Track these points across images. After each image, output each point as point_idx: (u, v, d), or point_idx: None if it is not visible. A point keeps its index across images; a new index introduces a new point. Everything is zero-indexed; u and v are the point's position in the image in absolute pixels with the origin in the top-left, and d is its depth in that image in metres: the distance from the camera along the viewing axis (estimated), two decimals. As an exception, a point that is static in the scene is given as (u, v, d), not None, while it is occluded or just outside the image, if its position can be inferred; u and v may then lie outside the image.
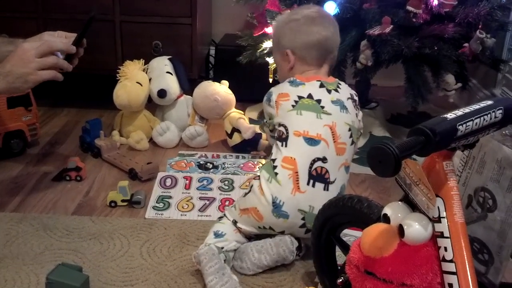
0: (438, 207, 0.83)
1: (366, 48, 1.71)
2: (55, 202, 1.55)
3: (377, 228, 0.86)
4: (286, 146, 1.28)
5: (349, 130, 1.33)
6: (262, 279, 1.24)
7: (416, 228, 0.82)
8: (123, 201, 1.52)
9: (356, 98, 1.41)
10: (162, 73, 1.94)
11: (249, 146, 1.90)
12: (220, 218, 1.35)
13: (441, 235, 0.82)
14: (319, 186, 1.25)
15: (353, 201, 1.02)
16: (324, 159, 1.27)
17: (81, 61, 2.08)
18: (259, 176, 1.30)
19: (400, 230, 0.84)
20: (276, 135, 1.35)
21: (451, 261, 0.81)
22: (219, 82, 1.99)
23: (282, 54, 1.41)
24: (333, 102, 1.33)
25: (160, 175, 1.70)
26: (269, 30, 1.97)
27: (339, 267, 1.10)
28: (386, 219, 0.88)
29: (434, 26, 1.76)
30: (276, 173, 1.25)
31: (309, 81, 1.36)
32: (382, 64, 1.80)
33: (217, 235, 1.28)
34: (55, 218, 1.45)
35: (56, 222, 1.43)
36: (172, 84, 1.94)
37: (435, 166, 0.86)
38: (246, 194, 1.33)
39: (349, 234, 1.30)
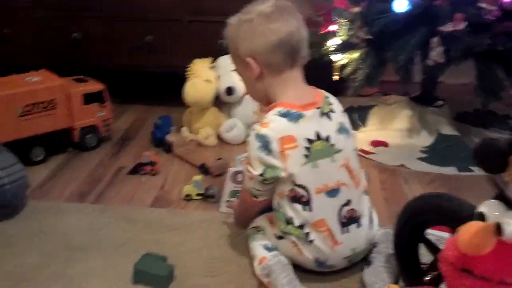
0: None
1: (438, 45, 1.69)
2: (132, 195, 1.61)
3: (474, 226, 0.85)
4: (311, 210, 1.16)
5: (354, 150, 1.26)
6: (327, 284, 1.23)
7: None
8: (198, 195, 1.56)
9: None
10: (229, 71, 1.97)
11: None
12: (258, 229, 1.29)
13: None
14: (353, 227, 1.20)
15: (442, 199, 1.02)
16: (348, 202, 1.19)
17: (148, 60, 2.17)
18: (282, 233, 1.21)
19: (498, 228, 0.84)
20: (289, 193, 1.17)
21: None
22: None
23: (243, 63, 1.20)
24: (338, 131, 1.21)
25: (231, 170, 1.73)
26: (334, 27, 1.98)
27: (423, 265, 1.11)
28: (481, 217, 0.88)
29: (506, 22, 1.73)
30: (311, 240, 1.17)
31: (307, 109, 1.18)
32: (453, 61, 1.77)
33: (269, 249, 1.23)
34: (135, 210, 1.51)
35: (136, 214, 1.49)
36: (239, 81, 1.97)
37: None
38: (277, 237, 1.23)
39: (432, 234, 1.29)
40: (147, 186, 1.67)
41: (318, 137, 1.17)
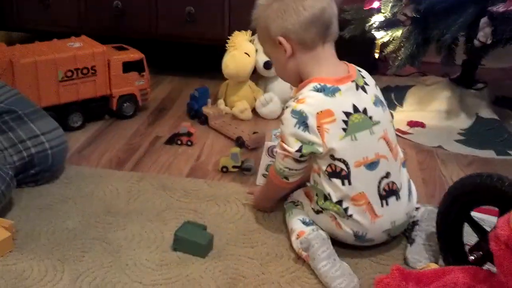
0: None
1: (486, 26, 1.64)
2: (169, 164, 1.62)
3: (529, 206, 0.84)
4: (350, 184, 1.14)
5: (391, 121, 1.25)
6: (366, 259, 1.22)
7: None
8: (234, 167, 1.56)
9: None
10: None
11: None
12: (295, 204, 1.29)
13: None
14: (392, 200, 1.18)
15: (493, 180, 1.00)
16: (387, 175, 1.17)
17: (188, 32, 2.16)
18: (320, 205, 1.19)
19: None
20: (327, 169, 1.15)
21: None
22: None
23: (274, 43, 1.19)
24: (374, 103, 1.19)
25: (267, 144, 1.72)
26: (377, 4, 1.95)
27: (467, 245, 1.09)
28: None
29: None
30: (351, 215, 1.15)
31: (343, 82, 1.16)
32: (499, 43, 1.73)
33: (307, 223, 1.23)
34: (172, 179, 1.52)
35: (174, 183, 1.49)
36: (278, 55, 1.95)
37: None
38: (316, 211, 1.22)
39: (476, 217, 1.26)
40: (184, 156, 1.67)
41: (356, 110, 1.16)
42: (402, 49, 1.85)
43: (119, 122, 1.89)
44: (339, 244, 1.21)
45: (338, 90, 1.15)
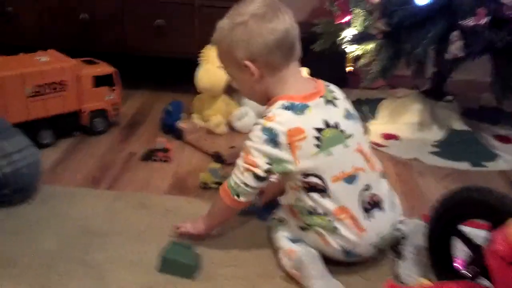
0: None
1: (458, 39, 1.68)
2: (147, 182, 1.57)
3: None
4: (329, 197, 1.13)
5: (364, 134, 1.26)
6: (356, 276, 1.21)
7: None
8: (216, 183, 1.53)
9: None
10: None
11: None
12: (280, 220, 1.26)
13: None
14: (376, 212, 1.18)
15: (481, 193, 1.01)
16: (367, 187, 1.17)
17: (158, 45, 2.12)
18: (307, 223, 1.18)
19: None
20: (302, 184, 1.14)
21: None
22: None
23: (239, 67, 1.17)
24: (345, 117, 1.19)
25: (245, 159, 1.70)
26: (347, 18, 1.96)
27: (455, 258, 1.10)
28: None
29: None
30: (336, 227, 1.14)
31: (311, 99, 1.16)
32: (470, 56, 1.77)
33: (293, 240, 1.20)
34: (151, 197, 1.47)
35: (153, 201, 1.45)
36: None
37: None
38: (301, 228, 1.19)
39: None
40: (161, 173, 1.63)
41: (327, 125, 1.15)
42: (374, 62, 1.88)
43: (90, 138, 1.83)
44: (327, 261, 1.20)
45: (306, 107, 1.15)
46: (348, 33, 1.91)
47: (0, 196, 1.34)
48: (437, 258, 1.13)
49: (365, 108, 2.14)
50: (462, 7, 1.67)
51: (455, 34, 1.69)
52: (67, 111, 1.75)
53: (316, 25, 2.10)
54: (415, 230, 1.22)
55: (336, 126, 1.16)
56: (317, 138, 1.13)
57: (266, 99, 1.21)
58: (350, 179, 1.15)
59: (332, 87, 1.24)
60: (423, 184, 1.66)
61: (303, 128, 1.13)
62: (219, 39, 1.20)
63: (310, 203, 1.15)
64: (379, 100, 2.17)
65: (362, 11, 1.83)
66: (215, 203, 1.26)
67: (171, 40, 2.10)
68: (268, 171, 1.14)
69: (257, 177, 1.15)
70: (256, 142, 1.14)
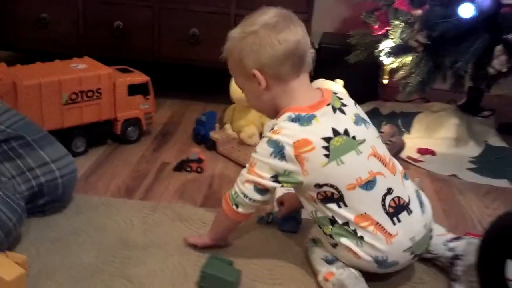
0: None
1: (501, 54, 1.65)
2: (181, 193, 1.55)
3: None
4: (346, 206, 1.10)
5: (378, 137, 1.20)
6: None
7: None
8: (251, 196, 1.50)
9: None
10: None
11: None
12: (315, 241, 1.23)
13: None
14: (403, 215, 1.13)
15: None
16: (389, 191, 1.13)
17: (192, 53, 2.10)
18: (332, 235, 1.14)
19: None
20: (318, 196, 1.12)
21: None
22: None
23: (248, 76, 1.16)
24: (355, 123, 1.16)
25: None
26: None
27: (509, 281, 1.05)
28: None
29: None
30: (361, 237, 1.10)
31: (317, 108, 1.14)
32: (513, 71, 1.73)
33: (330, 261, 1.16)
34: (188, 209, 1.44)
35: (190, 213, 1.42)
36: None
37: None
38: (333, 245, 1.15)
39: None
40: (195, 184, 1.61)
41: (336, 133, 1.12)
42: (413, 75, 1.84)
43: (123, 147, 1.81)
44: (369, 279, 1.16)
45: (314, 117, 1.12)
46: (386, 45, 1.88)
47: (35, 206, 1.32)
48: (490, 280, 1.09)
49: (399, 122, 2.10)
50: (507, 21, 1.63)
51: (498, 48, 1.66)
52: (102, 119, 1.74)
53: (352, 36, 2.07)
54: (470, 248, 1.17)
55: (346, 133, 1.13)
56: (326, 148, 1.10)
57: (274, 112, 1.20)
58: (368, 185, 1.11)
59: (341, 94, 1.22)
60: (464, 202, 1.62)
61: (310, 139, 1.10)
62: (230, 48, 1.19)
63: (329, 213, 1.12)
64: (414, 114, 2.13)
65: (401, 23, 1.79)
66: (218, 213, 1.25)
67: (206, 49, 2.08)
68: (275, 183, 1.13)
69: (258, 189, 1.14)
70: (262, 154, 1.13)
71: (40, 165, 1.31)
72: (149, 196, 1.52)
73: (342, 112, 1.16)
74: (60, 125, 1.64)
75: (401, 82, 1.87)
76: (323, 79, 1.95)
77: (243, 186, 1.15)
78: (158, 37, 2.10)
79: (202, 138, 1.86)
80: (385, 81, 1.97)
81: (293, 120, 1.12)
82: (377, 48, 1.94)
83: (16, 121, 1.34)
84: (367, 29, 2.03)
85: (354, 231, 1.10)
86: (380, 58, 1.93)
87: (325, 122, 1.13)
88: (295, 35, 1.13)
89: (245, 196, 1.15)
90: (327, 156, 1.10)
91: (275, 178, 1.13)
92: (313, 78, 2.14)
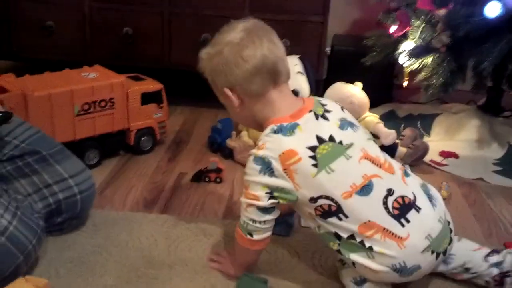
0: None
1: (528, 53, 1.59)
2: (202, 204, 1.48)
3: None
4: (347, 217, 1.03)
5: (370, 139, 1.14)
6: None
7: None
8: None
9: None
10: (293, 73, 1.83)
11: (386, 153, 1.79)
12: (343, 263, 1.15)
13: None
14: (412, 214, 1.05)
15: None
16: (390, 192, 1.05)
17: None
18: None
19: None
20: (316, 212, 1.05)
21: None
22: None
23: (223, 94, 1.13)
24: (340, 127, 1.09)
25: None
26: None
27: None
28: None
29: None
30: (370, 247, 1.02)
31: (299, 116, 1.08)
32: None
33: (358, 283, 1.10)
34: (210, 222, 1.38)
35: (212, 227, 1.36)
36: (303, 84, 1.85)
37: None
38: (354, 264, 1.07)
39: None
40: (215, 195, 1.54)
41: (321, 141, 1.06)
42: (434, 76, 1.78)
43: (137, 157, 1.75)
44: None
45: (296, 125, 1.07)
46: (406, 46, 1.82)
47: (52, 225, 1.25)
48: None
49: (418, 124, 2.04)
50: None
51: (524, 48, 1.60)
52: (116, 129, 1.67)
53: (368, 38, 2.01)
54: None
55: (331, 140, 1.06)
56: (313, 158, 1.04)
57: (259, 125, 1.15)
58: (365, 189, 1.04)
59: (324, 100, 1.15)
60: (494, 207, 1.56)
61: (295, 150, 1.04)
62: (202, 68, 1.16)
63: (331, 229, 1.05)
64: (433, 116, 2.07)
65: (423, 23, 1.73)
66: (235, 245, 1.16)
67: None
68: (272, 200, 1.06)
69: (261, 209, 1.07)
70: (252, 174, 1.07)
71: (58, 181, 1.24)
72: (169, 209, 1.46)
73: (325, 118, 1.10)
74: (72, 137, 1.58)
75: (422, 83, 1.80)
76: (342, 82, 1.89)
77: (247, 212, 1.08)
78: (168, 43, 2.04)
79: (218, 146, 1.80)
80: (405, 83, 1.91)
81: (275, 131, 1.07)
82: (395, 50, 1.88)
83: (30, 135, 1.27)
84: (384, 30, 1.97)
85: (361, 242, 1.03)
86: (400, 60, 1.87)
87: (308, 130, 1.07)
88: (260, 49, 1.07)
89: (254, 221, 1.08)
90: (315, 166, 1.04)
91: (271, 194, 1.06)
92: (325, 81, 2.11)
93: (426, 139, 1.95)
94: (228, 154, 1.77)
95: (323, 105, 1.12)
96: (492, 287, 1.14)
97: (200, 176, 1.62)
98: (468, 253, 1.17)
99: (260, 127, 1.14)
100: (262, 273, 1.18)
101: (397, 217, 1.04)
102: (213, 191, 1.56)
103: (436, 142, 1.94)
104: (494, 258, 1.14)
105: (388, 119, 2.05)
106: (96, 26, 2.04)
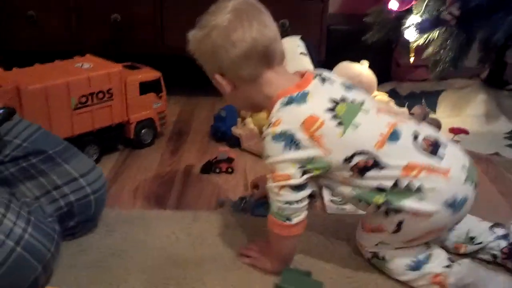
0: None
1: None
2: (217, 196, 1.39)
3: None
4: (386, 165, 0.98)
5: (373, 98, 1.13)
6: None
7: None
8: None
9: None
10: (296, 54, 1.77)
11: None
12: (379, 258, 1.09)
13: None
14: (443, 149, 1.01)
15: None
16: (415, 134, 1.01)
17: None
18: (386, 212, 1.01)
19: None
20: (350, 172, 1.00)
21: None
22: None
23: (213, 78, 1.08)
24: (346, 89, 1.05)
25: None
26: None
27: None
28: None
29: None
30: (419, 187, 0.98)
31: (306, 85, 1.02)
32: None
33: (420, 262, 1.04)
34: (230, 215, 1.29)
35: (235, 219, 1.27)
36: (307, 66, 1.76)
37: None
38: (393, 232, 1.03)
39: None
40: (230, 185, 1.45)
41: (336, 102, 1.01)
42: (442, 51, 1.73)
43: (138, 151, 1.64)
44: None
45: (306, 93, 1.01)
46: (412, 21, 1.76)
47: (64, 230, 1.13)
48: None
49: (423, 101, 1.99)
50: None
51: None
52: (115, 123, 1.56)
53: (367, 15, 1.94)
54: None
55: (344, 100, 1.02)
56: (335, 117, 0.99)
57: (256, 107, 1.11)
58: (394, 136, 1.00)
59: (319, 70, 1.10)
60: (516, 181, 1.52)
61: (315, 115, 0.99)
62: (191, 50, 1.08)
63: (373, 183, 0.99)
64: (437, 93, 2.02)
65: (430, -4, 1.67)
66: (271, 238, 1.07)
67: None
68: (306, 175, 1.00)
69: (295, 188, 1.00)
70: (276, 154, 1.00)
71: (68, 182, 1.13)
72: (183, 204, 1.36)
73: (330, 83, 1.05)
74: (70, 132, 1.46)
75: (430, 59, 1.75)
76: (348, 61, 1.82)
77: (280, 196, 1.00)
78: (160, 28, 1.92)
79: (222, 135, 1.71)
80: (411, 60, 1.85)
81: (287, 103, 1.00)
82: (396, 26, 1.82)
83: (32, 133, 1.15)
84: (384, 5, 1.90)
85: (408, 186, 0.98)
86: (406, 35, 1.80)
87: (320, 94, 1.02)
88: (249, 32, 1.00)
89: (290, 203, 1.00)
90: (340, 124, 0.99)
91: (303, 169, 0.99)
92: (324, 62, 2.03)
93: (432, 116, 1.90)
94: (235, 142, 1.68)
95: (320, 73, 1.08)
96: (499, 261, 1.11)
97: (209, 168, 1.52)
98: (472, 221, 1.14)
99: (258, 109, 1.11)
100: (297, 263, 1.10)
101: (433, 153, 1.00)
102: (226, 181, 1.47)
103: (444, 119, 1.88)
104: (500, 231, 1.11)
105: (390, 98, 1.99)
106: (82, 14, 1.91)
